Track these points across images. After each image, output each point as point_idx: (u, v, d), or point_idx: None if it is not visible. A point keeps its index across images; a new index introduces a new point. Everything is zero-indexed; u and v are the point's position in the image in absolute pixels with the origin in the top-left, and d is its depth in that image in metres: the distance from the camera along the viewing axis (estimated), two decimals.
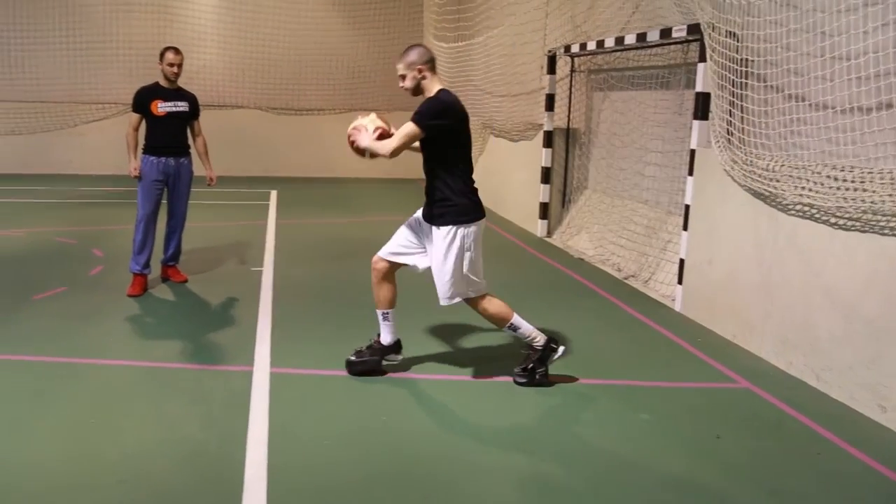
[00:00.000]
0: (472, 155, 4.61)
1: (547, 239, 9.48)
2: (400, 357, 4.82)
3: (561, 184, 9.64)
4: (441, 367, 4.94)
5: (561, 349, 4.66)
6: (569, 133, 9.49)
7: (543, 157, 9.47)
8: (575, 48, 8.61)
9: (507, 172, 11.20)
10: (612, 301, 6.71)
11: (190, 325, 5.74)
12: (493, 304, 4.58)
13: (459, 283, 4.45)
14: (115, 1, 15.03)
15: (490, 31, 11.54)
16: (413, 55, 4.36)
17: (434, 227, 4.45)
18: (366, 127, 4.48)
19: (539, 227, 9.66)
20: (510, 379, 4.75)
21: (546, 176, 9.51)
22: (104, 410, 4.16)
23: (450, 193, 4.39)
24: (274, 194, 12.81)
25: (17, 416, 4.07)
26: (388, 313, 4.72)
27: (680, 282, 6.41)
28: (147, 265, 6.64)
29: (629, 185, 8.21)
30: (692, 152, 6.20)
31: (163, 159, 6.63)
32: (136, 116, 6.64)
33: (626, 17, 7.82)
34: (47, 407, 4.18)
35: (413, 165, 16.10)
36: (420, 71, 4.33)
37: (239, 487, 3.36)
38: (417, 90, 4.43)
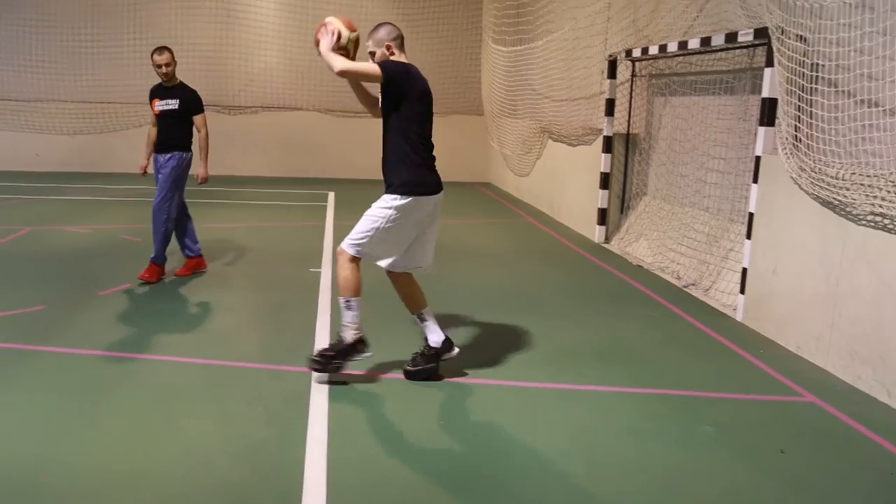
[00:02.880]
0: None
1: (605, 245, 9.39)
2: (456, 351, 4.75)
3: (620, 189, 9.54)
4: (498, 372, 4.92)
5: (367, 355, 4.61)
6: (628, 138, 9.38)
7: (602, 162, 9.38)
8: (636, 52, 8.51)
9: (564, 177, 11.13)
10: (671, 309, 6.60)
11: (249, 324, 5.82)
12: (353, 273, 4.50)
13: (360, 229, 4.48)
14: (180, 4, 15.39)
15: (550, 34, 11.48)
16: (382, 32, 4.54)
17: (388, 194, 4.49)
18: (335, 30, 4.54)
19: (597, 233, 9.57)
20: (568, 385, 4.72)
21: (605, 181, 9.42)
22: (166, 406, 4.24)
23: (410, 163, 4.48)
24: (331, 196, 12.94)
25: (81, 410, 4.17)
26: (422, 314, 4.72)
27: (742, 291, 6.28)
28: (185, 252, 7.16)
29: (690, 192, 8.07)
30: (757, 159, 6.07)
31: (156, 155, 6.95)
32: (152, 114, 7.00)
33: (689, 20, 7.70)
34: (111, 402, 4.28)
35: (468, 170, 16.23)
36: (388, 48, 4.50)
37: (299, 486, 3.39)
38: None
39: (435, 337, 4.70)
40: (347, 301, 4.53)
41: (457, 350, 4.77)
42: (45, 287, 6.60)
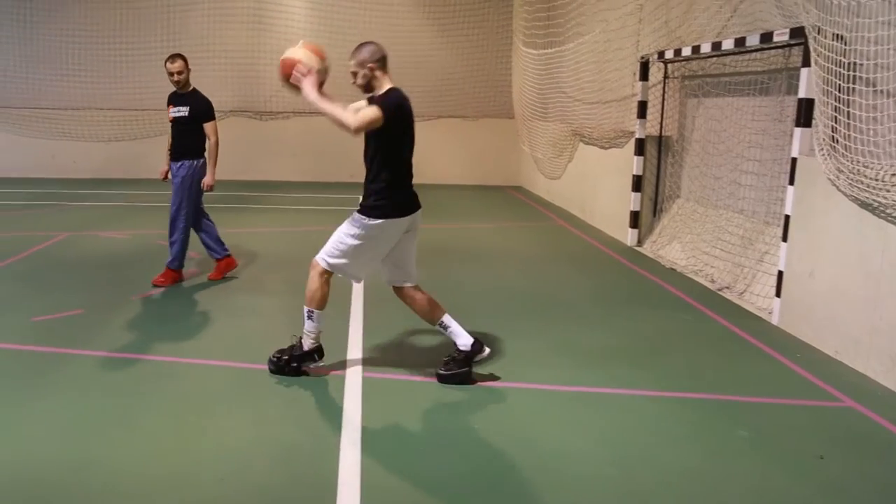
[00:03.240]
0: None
1: (637, 248, 9.32)
2: (487, 352, 4.76)
3: (652, 192, 9.47)
4: (531, 376, 4.90)
5: (320, 364, 4.77)
6: (661, 141, 9.31)
7: (635, 164, 9.32)
8: (669, 54, 8.45)
9: (596, 180, 11.07)
10: (705, 313, 6.53)
11: (284, 327, 5.85)
12: (319, 284, 4.61)
13: (332, 244, 4.58)
14: (211, 12, 15.59)
15: (581, 37, 11.44)
16: (365, 53, 4.49)
17: (361, 215, 4.54)
18: (310, 69, 4.44)
19: (629, 236, 9.50)
20: (601, 389, 4.69)
21: (637, 184, 9.35)
22: (202, 410, 4.28)
23: (387, 187, 4.51)
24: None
25: (119, 413, 4.23)
26: (442, 322, 4.74)
27: (778, 294, 6.19)
28: (211, 253, 7.20)
29: (724, 195, 7.99)
30: (793, 161, 5.99)
31: (172, 162, 7.01)
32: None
33: (723, 21, 7.63)
34: (148, 405, 4.33)
35: (499, 174, 16.16)
36: (371, 69, 4.47)
37: (333, 489, 3.40)
38: (368, 87, 4.55)
39: (463, 340, 4.71)
40: (310, 312, 4.69)
41: (487, 350, 4.78)
42: (82, 291, 6.71)
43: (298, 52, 4.53)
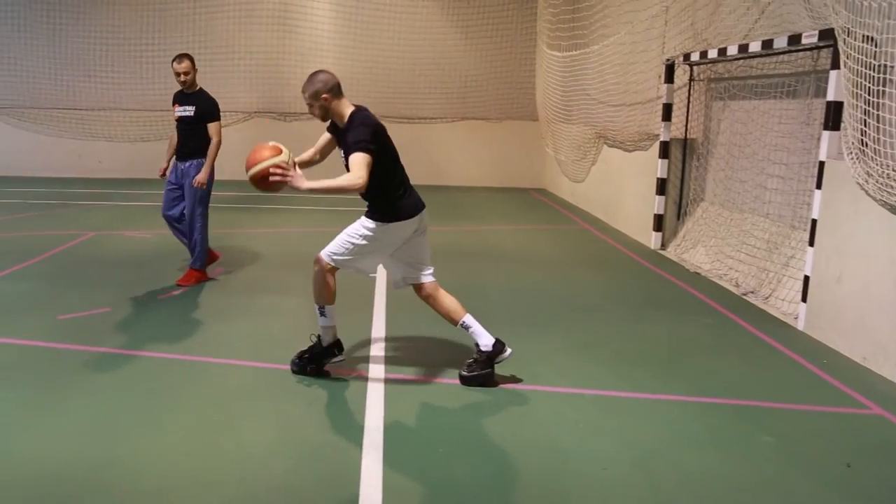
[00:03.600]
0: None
1: (661, 251, 9.25)
2: (509, 352, 4.73)
3: (676, 195, 9.40)
4: (554, 379, 4.88)
5: (340, 359, 4.80)
6: (686, 143, 9.24)
7: (659, 167, 9.25)
8: (695, 56, 8.38)
9: (620, 183, 11.02)
10: (730, 317, 6.47)
11: (305, 327, 5.86)
12: (326, 279, 4.64)
13: (348, 254, 4.62)
14: (237, 14, 15.69)
15: (605, 39, 11.39)
16: (318, 85, 4.52)
17: (366, 217, 4.65)
18: (289, 164, 4.40)
19: (653, 239, 9.44)
20: (625, 393, 4.66)
21: (661, 187, 9.29)
22: (226, 409, 4.30)
23: (385, 200, 4.60)
24: None
25: (144, 411, 4.26)
26: (463, 322, 4.73)
27: (804, 299, 6.12)
28: (196, 261, 7.14)
29: (749, 198, 7.91)
30: (821, 164, 5.92)
31: (177, 163, 7.00)
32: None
33: (750, 23, 7.55)
34: (173, 404, 4.36)
35: (522, 176, 16.15)
36: (326, 100, 4.52)
37: (355, 491, 3.40)
38: (327, 116, 4.63)
39: (484, 340, 4.70)
40: (321, 308, 4.71)
41: (510, 351, 4.75)
42: (108, 290, 6.77)
43: (263, 156, 4.40)
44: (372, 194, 4.59)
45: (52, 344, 5.32)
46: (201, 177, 6.89)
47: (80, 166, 15.94)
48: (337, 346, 4.83)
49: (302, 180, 4.34)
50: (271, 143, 4.45)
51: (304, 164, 4.89)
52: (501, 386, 4.71)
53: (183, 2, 15.64)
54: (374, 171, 4.43)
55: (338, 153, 4.75)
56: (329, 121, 4.74)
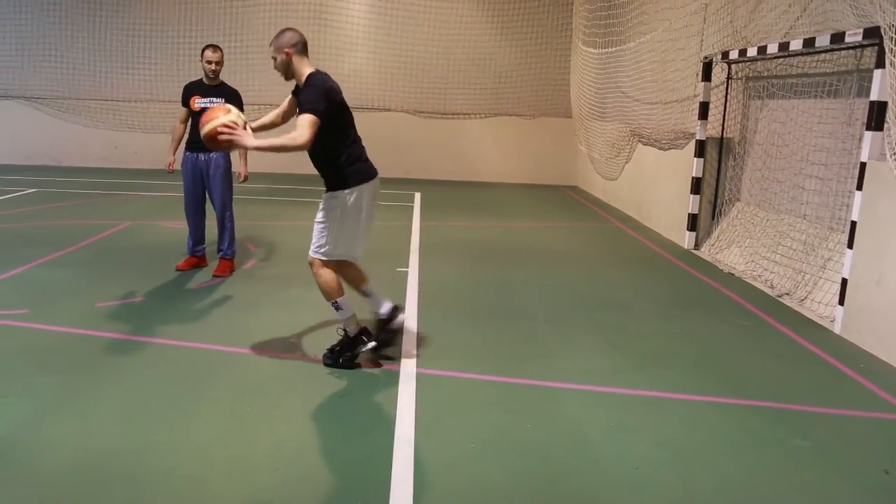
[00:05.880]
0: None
1: (694, 251, 9.16)
2: (401, 316, 4.96)
3: (711, 195, 9.30)
4: (587, 378, 4.85)
5: (371, 344, 4.79)
6: (722, 143, 9.13)
7: (694, 166, 9.16)
8: (733, 54, 8.28)
9: (654, 182, 10.92)
10: (764, 319, 6.39)
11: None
12: (329, 276, 4.72)
13: (330, 240, 4.68)
14: (273, 7, 15.78)
15: (642, 36, 11.29)
16: (283, 39, 4.63)
17: (326, 194, 4.69)
18: (237, 124, 4.50)
19: (686, 239, 9.35)
20: (658, 393, 4.62)
21: (696, 186, 9.19)
22: (257, 399, 4.34)
23: (340, 163, 4.62)
24: (418, 196, 13.03)
25: (178, 400, 4.31)
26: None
27: (841, 302, 6.03)
28: (195, 249, 7.28)
29: (786, 199, 7.80)
30: (862, 165, 5.82)
31: (194, 154, 7.01)
32: (182, 111, 7.07)
33: (791, 20, 7.44)
34: (206, 393, 4.41)
35: (555, 173, 16.10)
36: (287, 54, 4.61)
37: (386, 483, 3.41)
38: (288, 72, 4.68)
39: (385, 308, 4.92)
40: (334, 303, 4.78)
41: (402, 317, 4.97)
42: (143, 279, 6.86)
43: (214, 115, 4.52)
44: (325, 162, 4.66)
45: (89, 331, 5.40)
46: (244, 170, 7.00)
47: (116, 157, 16.17)
48: (364, 334, 4.85)
49: (249, 138, 4.47)
50: (224, 105, 4.61)
51: (266, 128, 4.96)
52: (534, 384, 4.70)
53: None
54: (328, 135, 4.51)
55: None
56: (294, 84, 4.79)
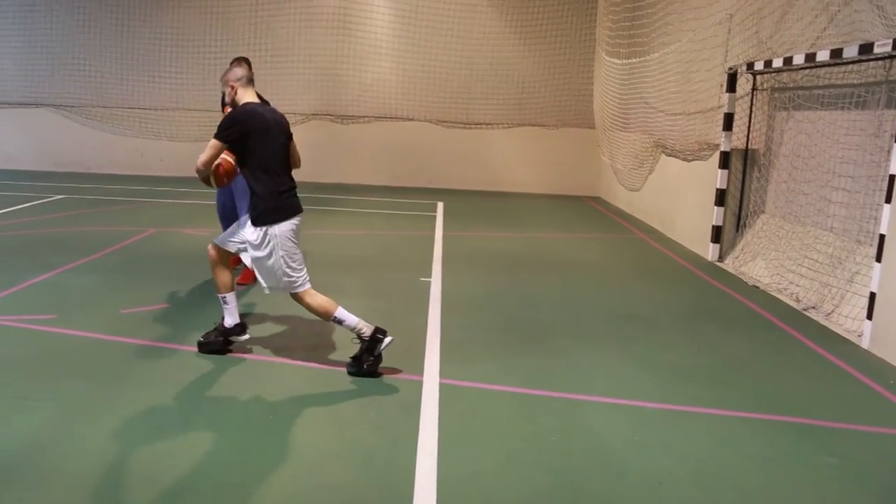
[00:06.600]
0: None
1: (718, 263, 9.10)
2: (245, 337, 5.17)
3: (736, 207, 9.23)
4: (611, 390, 4.82)
5: (388, 339, 4.83)
6: (747, 154, 9.07)
7: (719, 178, 9.10)
8: (759, 65, 8.23)
9: (677, 193, 10.86)
10: (789, 333, 6.33)
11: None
12: (316, 299, 4.91)
13: (273, 277, 4.87)
14: (298, 17, 15.90)
15: (666, 47, 11.25)
16: (230, 74, 4.98)
17: (250, 225, 4.88)
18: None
19: (710, 251, 9.29)
20: (682, 407, 4.58)
21: (720, 198, 9.13)
22: (281, 407, 4.35)
23: (257, 197, 4.83)
24: (440, 206, 13.05)
25: (201, 408, 4.35)
26: (225, 297, 5.08)
27: (869, 317, 5.95)
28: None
29: (812, 211, 7.72)
30: (891, 178, 5.75)
31: None
32: None
33: (818, 31, 7.38)
34: (228, 400, 4.43)
35: (578, 184, 16.05)
36: (232, 87, 4.93)
37: (409, 494, 3.41)
38: (234, 103, 4.97)
39: (230, 319, 5.11)
40: (335, 319, 4.87)
41: (245, 337, 5.19)
42: (168, 286, 6.91)
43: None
44: (252, 185, 4.86)
45: (115, 337, 5.44)
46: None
47: (142, 164, 16.34)
48: (379, 332, 4.85)
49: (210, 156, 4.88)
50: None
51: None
52: (556, 395, 4.68)
53: (245, 5, 15.92)
54: (241, 160, 4.84)
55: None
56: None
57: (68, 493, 3.32)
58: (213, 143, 4.75)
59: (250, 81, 5.01)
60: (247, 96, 4.95)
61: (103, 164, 16.39)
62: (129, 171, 16.30)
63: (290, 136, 5.06)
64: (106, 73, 16.28)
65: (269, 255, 4.84)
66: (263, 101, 5.65)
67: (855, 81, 7.02)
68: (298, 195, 5.06)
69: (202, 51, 16.01)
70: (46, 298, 6.36)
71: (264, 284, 4.95)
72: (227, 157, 4.88)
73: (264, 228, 4.80)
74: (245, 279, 7.13)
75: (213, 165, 4.84)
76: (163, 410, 4.24)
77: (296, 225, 4.91)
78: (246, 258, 4.97)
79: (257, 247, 4.86)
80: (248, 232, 4.88)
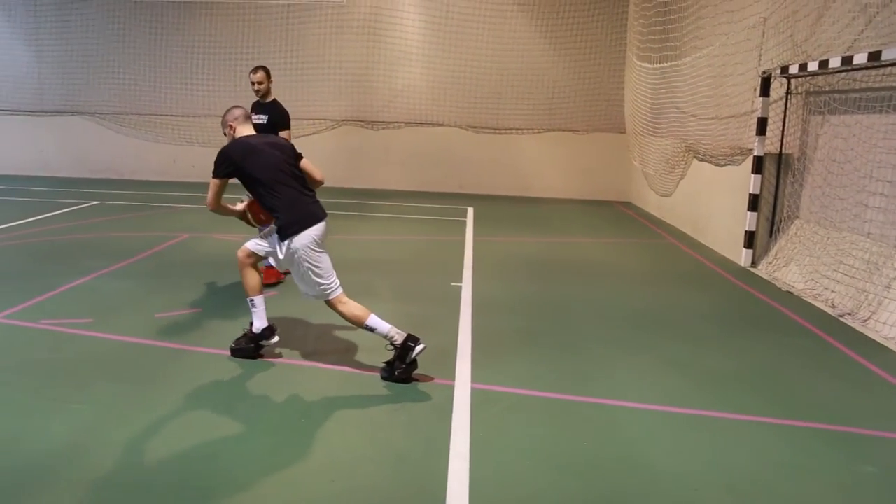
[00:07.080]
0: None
1: (751, 269, 9.00)
2: (275, 340, 5.29)
3: (769, 212, 9.12)
4: (643, 396, 4.79)
5: (419, 347, 4.83)
6: (781, 159, 8.97)
7: (752, 183, 9.00)
8: (793, 69, 8.13)
9: (710, 198, 10.76)
10: (825, 339, 6.24)
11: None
12: (347, 307, 4.98)
13: (305, 283, 4.99)
14: (328, 24, 16.01)
15: (698, 51, 11.17)
16: (228, 115, 5.28)
17: (277, 239, 5.06)
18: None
19: (743, 257, 9.19)
20: (716, 413, 4.54)
21: (754, 203, 9.03)
22: (313, 410, 4.38)
23: (276, 212, 5.03)
24: (471, 211, 13.05)
25: (235, 410, 4.38)
26: (254, 300, 5.23)
27: None
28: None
29: (848, 217, 7.61)
30: None
31: None
32: None
33: (854, 33, 7.29)
34: (262, 403, 4.47)
35: (608, 189, 15.97)
36: (231, 127, 5.26)
37: (441, 497, 3.41)
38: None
39: (258, 323, 5.21)
40: (367, 327, 4.93)
41: (276, 339, 5.29)
42: (201, 290, 6.99)
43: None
44: (265, 205, 5.11)
45: (150, 341, 5.52)
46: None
47: (175, 170, 16.54)
48: (411, 339, 4.86)
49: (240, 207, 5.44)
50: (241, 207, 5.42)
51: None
52: (588, 401, 4.65)
53: (276, 12, 16.07)
54: (248, 186, 5.13)
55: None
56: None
57: (104, 494, 3.37)
58: (213, 181, 5.08)
59: (247, 118, 5.33)
60: (244, 132, 5.23)
61: (137, 170, 16.63)
62: (163, 177, 16.51)
63: (296, 156, 5.28)
64: (140, 82, 16.53)
65: (297, 266, 4.95)
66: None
67: (893, 84, 6.91)
68: (322, 201, 5.19)
69: (234, 58, 16.18)
70: (83, 302, 6.47)
71: (301, 290, 5.05)
72: (250, 196, 5.25)
73: (286, 242, 4.95)
74: (270, 278, 7.18)
75: (246, 207, 5.34)
76: (196, 413, 4.29)
77: (318, 233, 5.00)
78: (272, 259, 5.13)
79: (285, 260, 5.01)
80: (275, 242, 5.03)
